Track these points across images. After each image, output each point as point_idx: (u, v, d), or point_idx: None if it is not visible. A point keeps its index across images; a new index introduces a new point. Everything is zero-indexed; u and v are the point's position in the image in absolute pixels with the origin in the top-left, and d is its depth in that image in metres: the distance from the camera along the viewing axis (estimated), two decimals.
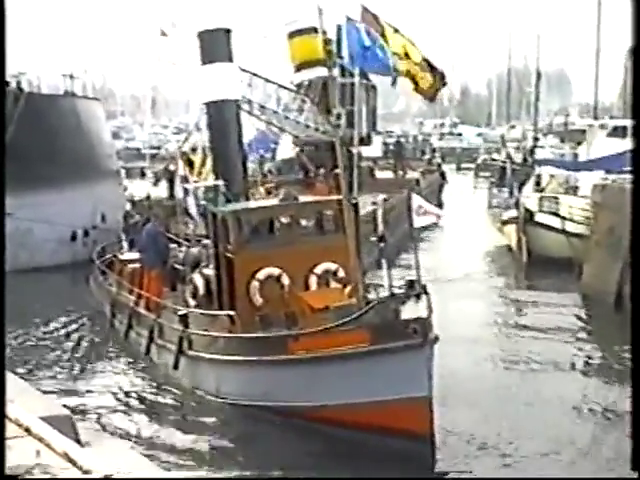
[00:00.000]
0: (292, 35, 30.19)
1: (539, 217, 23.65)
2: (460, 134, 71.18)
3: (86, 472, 4.29)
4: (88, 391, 13.06)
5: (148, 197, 27.92)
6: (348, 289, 11.31)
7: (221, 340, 11.85)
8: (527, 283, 21.88)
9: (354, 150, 24.87)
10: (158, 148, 48.38)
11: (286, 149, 34.05)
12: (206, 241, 14.10)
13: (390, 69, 12.00)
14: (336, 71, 21.34)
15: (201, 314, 12.78)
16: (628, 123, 28.98)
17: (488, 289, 21.13)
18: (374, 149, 38.47)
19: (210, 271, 13.24)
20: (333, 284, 12.32)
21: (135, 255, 16.07)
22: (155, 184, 31.75)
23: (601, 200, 19.52)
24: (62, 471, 4.35)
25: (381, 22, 12.50)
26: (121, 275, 16.40)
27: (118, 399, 12.70)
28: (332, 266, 12.40)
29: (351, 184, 20.97)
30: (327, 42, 12.23)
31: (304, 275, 12.41)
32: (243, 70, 25.99)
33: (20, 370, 12.96)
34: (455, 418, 10.67)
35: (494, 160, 38.85)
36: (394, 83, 12.44)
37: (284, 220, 13.08)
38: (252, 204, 14.50)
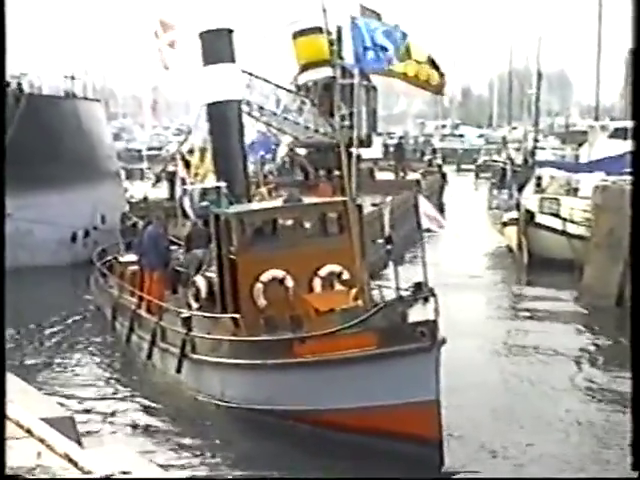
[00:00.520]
0: (297, 35, 30.09)
1: (540, 218, 23.64)
2: (462, 135, 71.12)
3: (87, 473, 4.28)
4: (89, 394, 12.99)
5: (145, 199, 27.78)
6: (353, 291, 11.22)
7: (225, 343, 11.73)
8: (528, 285, 21.86)
9: (354, 151, 24.84)
10: (159, 149, 48.33)
11: (286, 151, 34.01)
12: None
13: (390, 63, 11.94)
14: (337, 72, 21.35)
15: (204, 317, 12.66)
16: (629, 124, 29.00)
17: (489, 290, 21.12)
18: (374, 150, 38.40)
19: (212, 273, 13.13)
20: (338, 286, 12.20)
21: (135, 257, 15.99)
22: (154, 185, 31.68)
23: (602, 202, 19.47)
24: (63, 472, 4.34)
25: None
26: (122, 278, 16.29)
27: (120, 402, 12.62)
28: (336, 268, 12.27)
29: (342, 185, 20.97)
30: (332, 42, 12.21)
31: (308, 277, 12.28)
32: (242, 71, 25.93)
33: (20, 371, 12.89)
34: (462, 420, 10.61)
35: (495, 161, 38.84)
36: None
37: (288, 222, 13.02)
38: (255, 206, 14.41)
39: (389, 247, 10.15)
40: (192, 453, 10.49)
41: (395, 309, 9.49)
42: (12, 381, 6.10)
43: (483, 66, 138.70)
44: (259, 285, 12.16)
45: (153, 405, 12.46)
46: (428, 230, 10.91)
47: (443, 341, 9.35)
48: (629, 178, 19.70)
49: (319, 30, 15.50)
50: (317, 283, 12.30)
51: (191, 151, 26.06)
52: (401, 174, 36.75)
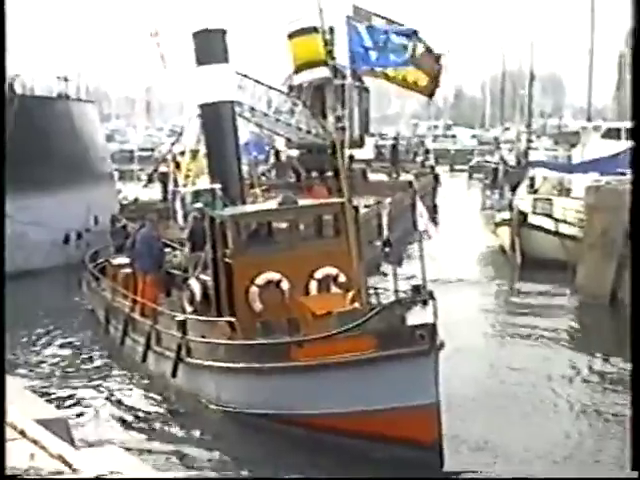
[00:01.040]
0: (293, 35, 29.97)
1: (533, 219, 23.68)
2: (454, 136, 71.28)
3: (80, 474, 4.28)
4: (83, 396, 12.92)
5: (136, 200, 27.54)
6: (350, 294, 11.15)
7: (222, 347, 11.62)
8: (521, 285, 21.86)
9: (346, 152, 24.81)
10: (152, 150, 48.21)
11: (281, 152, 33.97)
12: None
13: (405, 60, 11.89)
14: (327, 72, 21.24)
15: (199, 320, 12.54)
16: (622, 125, 29.08)
17: (482, 291, 21.13)
18: (366, 151, 38.41)
19: (207, 276, 13.03)
20: (334, 289, 12.11)
21: (128, 260, 15.86)
22: (146, 186, 31.54)
23: (594, 202, 19.52)
24: (56, 474, 4.35)
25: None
26: (115, 280, 16.13)
27: (114, 404, 12.58)
28: (332, 271, 12.15)
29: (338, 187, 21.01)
30: (327, 42, 12.14)
31: (304, 280, 12.16)
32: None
33: (13, 373, 12.82)
34: (458, 424, 10.57)
35: (487, 162, 38.93)
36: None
37: (283, 224, 12.95)
38: (250, 208, 14.33)
39: (387, 250, 10.11)
40: (186, 455, 10.44)
41: (393, 312, 9.45)
42: (8, 382, 6.10)
43: (476, 68, 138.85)
44: (254, 288, 12.05)
45: (147, 408, 12.41)
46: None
47: (441, 345, 9.32)
48: (622, 178, 19.82)
49: (315, 30, 15.48)
50: (313, 286, 12.19)
51: (182, 153, 26.01)
52: (394, 175, 36.74)
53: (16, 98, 22.52)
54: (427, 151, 51.74)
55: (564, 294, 19.60)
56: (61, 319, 17.69)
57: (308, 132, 31.85)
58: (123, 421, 11.89)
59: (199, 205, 14.73)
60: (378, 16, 12.59)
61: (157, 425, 11.70)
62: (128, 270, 15.50)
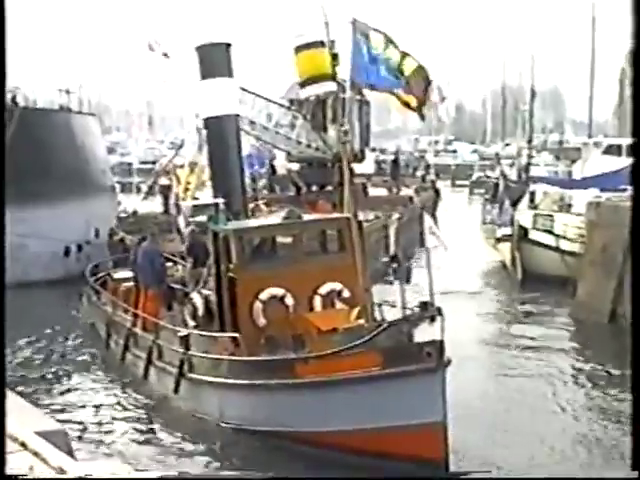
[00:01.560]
0: (299, 49, 30.01)
1: (533, 234, 23.66)
2: (455, 151, 71.44)
3: None
4: (83, 409, 12.89)
5: (135, 213, 27.39)
6: (356, 310, 11.07)
7: (225, 363, 11.50)
8: (522, 301, 21.78)
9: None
10: (153, 163, 48.31)
11: (280, 166, 33.98)
12: None
13: (397, 82, 11.91)
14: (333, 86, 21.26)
15: (202, 335, 12.43)
16: (622, 141, 29.15)
17: (483, 306, 21.04)
18: (367, 166, 38.43)
19: (209, 291, 12.94)
20: (338, 305, 12.00)
21: (129, 274, 15.80)
22: (145, 198, 31.40)
23: (595, 218, 19.49)
24: None
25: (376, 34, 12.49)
26: (115, 294, 16.06)
27: (114, 418, 12.52)
28: (337, 286, 12.05)
29: (342, 201, 20.97)
30: (334, 57, 12.12)
31: (308, 296, 12.08)
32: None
33: (13, 386, 12.74)
34: (464, 439, 10.53)
35: (488, 177, 38.94)
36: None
37: (287, 239, 12.88)
38: (254, 222, 14.26)
39: (395, 266, 10.05)
40: (187, 472, 10.33)
41: (400, 329, 9.38)
42: (8, 396, 6.08)
43: (476, 83, 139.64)
44: (258, 303, 11.97)
45: (148, 421, 12.35)
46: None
47: (448, 362, 9.24)
48: (623, 195, 19.81)
49: (322, 44, 15.53)
50: (317, 301, 12.10)
51: (182, 166, 25.99)
52: (395, 190, 36.74)
53: (17, 110, 22.56)
54: (428, 166, 51.84)
55: (564, 311, 19.55)
56: (61, 333, 17.59)
57: (308, 146, 31.84)
58: (123, 434, 11.81)
59: (199, 219, 14.68)
60: (377, 31, 12.57)
61: (157, 440, 11.61)
62: (129, 284, 15.44)
